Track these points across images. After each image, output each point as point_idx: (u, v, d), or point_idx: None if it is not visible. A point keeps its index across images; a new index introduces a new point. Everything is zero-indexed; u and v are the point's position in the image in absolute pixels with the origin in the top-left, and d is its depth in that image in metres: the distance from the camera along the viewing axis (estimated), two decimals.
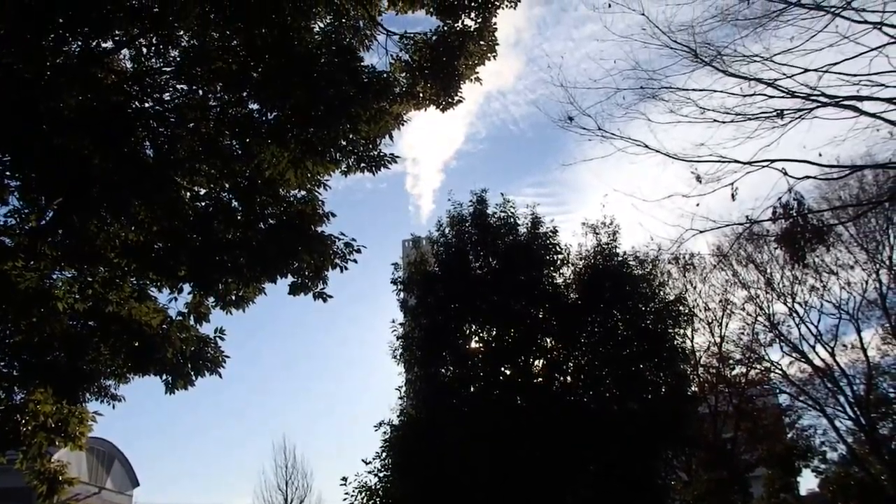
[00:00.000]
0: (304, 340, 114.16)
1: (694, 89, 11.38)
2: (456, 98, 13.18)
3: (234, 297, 12.67)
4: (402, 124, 13.19)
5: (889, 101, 9.36)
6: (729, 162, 10.88)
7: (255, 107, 11.44)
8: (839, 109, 9.82)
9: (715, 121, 11.09)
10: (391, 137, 12.65)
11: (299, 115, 10.93)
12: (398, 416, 20.62)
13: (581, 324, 20.09)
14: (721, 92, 11.08)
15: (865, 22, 9.42)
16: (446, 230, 21.97)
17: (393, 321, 21.80)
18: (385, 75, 11.86)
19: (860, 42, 9.48)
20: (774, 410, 35.56)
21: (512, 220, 21.35)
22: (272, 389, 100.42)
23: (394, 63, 13.09)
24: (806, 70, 9.98)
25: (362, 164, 12.51)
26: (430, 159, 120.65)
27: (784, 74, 10.25)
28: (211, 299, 12.81)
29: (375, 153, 12.47)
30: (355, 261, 12.43)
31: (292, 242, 11.86)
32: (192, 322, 12.78)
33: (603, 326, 20.31)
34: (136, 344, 12.06)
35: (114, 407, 13.23)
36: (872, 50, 9.32)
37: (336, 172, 12.40)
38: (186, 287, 12.43)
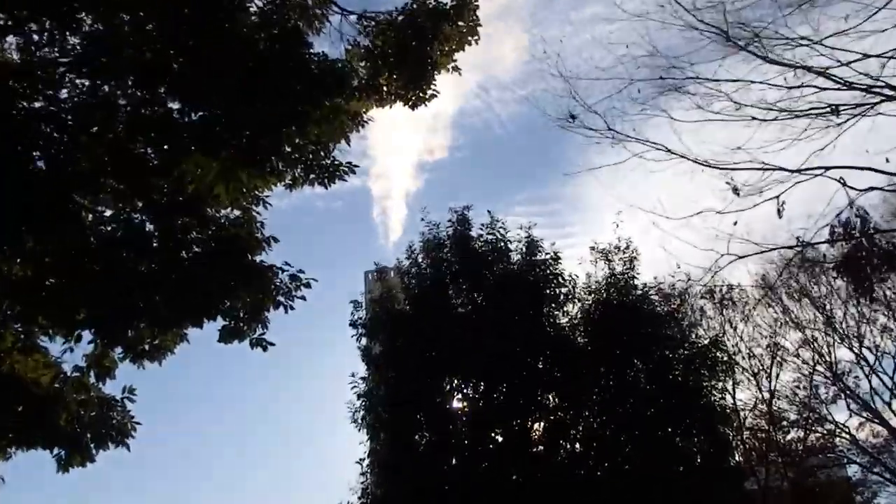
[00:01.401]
0: (239, 400, 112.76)
1: (727, 80, 11.62)
2: (429, 92, 13.45)
3: (147, 347, 12.75)
4: (362, 125, 13.46)
5: None
6: (773, 170, 11.13)
7: (176, 105, 11.66)
8: None
9: (754, 119, 11.35)
10: (348, 142, 12.85)
11: (231, 115, 11.16)
12: (359, 499, 20.54)
13: (592, 376, 20.42)
14: (761, 83, 11.33)
15: None
16: (419, 258, 22.39)
17: (352, 375, 22.00)
18: (340, 65, 12.12)
19: None
20: (842, 486, 35.76)
21: (502, 244, 21.81)
22: (198, 463, 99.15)
23: (351, 50, 13.40)
24: (866, 56, 10.23)
25: (312, 176, 12.75)
26: (397, 170, 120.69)
27: (838, 61, 10.51)
28: (118, 350, 12.80)
29: (328, 162, 12.72)
30: (304, 298, 12.55)
31: (222, 276, 11.98)
32: (92, 380, 12.74)
33: (620, 379, 20.62)
34: (20, 408, 12.01)
35: None
36: None
37: (279, 186, 12.55)
38: (86, 335, 12.32)
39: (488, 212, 23.02)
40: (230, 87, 11.04)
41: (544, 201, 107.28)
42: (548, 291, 21.38)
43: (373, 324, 21.96)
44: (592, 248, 22.95)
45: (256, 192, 12.30)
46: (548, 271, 21.54)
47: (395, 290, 22.50)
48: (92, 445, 12.42)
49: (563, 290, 21.65)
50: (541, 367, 20.68)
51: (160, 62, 11.08)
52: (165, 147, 11.56)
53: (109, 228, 12.07)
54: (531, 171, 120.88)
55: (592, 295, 22.04)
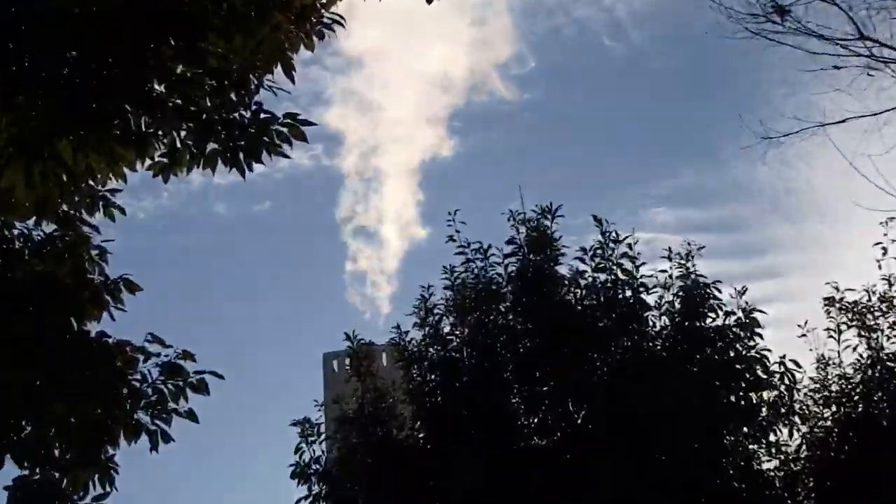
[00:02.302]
0: None
1: None
2: None
3: None
4: (320, 37, 12.09)
5: None
6: None
7: None
8: None
9: None
10: (290, 73, 11.67)
11: (40, 21, 9.96)
12: None
13: None
14: None
15: None
16: (444, 322, 20.10)
17: None
18: None
19: None
20: None
21: (628, 291, 19.30)
22: None
23: None
24: None
25: (213, 147, 11.45)
26: (398, 130, 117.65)
27: None
28: None
29: (248, 116, 11.37)
30: (193, 415, 11.14)
31: (19, 367, 10.58)
32: None
33: None
34: None
35: None
36: None
37: (140, 170, 11.51)
38: None
39: (594, 219, 20.24)
40: None
41: (713, 197, 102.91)
42: (734, 398, 18.50)
43: (341, 472, 19.13)
44: (829, 301, 20.23)
45: (92, 184, 11.21)
46: (732, 353, 18.61)
47: (390, 394, 19.95)
48: None
49: (769, 394, 18.80)
50: None
51: None
52: None
53: None
54: (682, 133, 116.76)
55: (834, 407, 19.34)
